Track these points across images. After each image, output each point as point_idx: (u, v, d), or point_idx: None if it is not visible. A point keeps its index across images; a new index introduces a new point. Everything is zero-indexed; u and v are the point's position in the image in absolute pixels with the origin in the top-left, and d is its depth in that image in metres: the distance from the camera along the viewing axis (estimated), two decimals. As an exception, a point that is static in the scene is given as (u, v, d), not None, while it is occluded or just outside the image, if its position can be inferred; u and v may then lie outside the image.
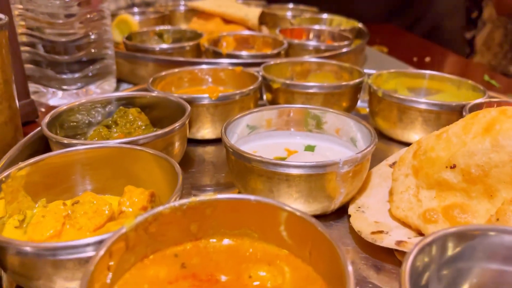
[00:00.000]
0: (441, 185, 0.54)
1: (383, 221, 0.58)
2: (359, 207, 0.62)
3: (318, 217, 0.63)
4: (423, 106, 0.78)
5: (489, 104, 0.75)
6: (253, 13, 1.38)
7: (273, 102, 0.89)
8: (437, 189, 0.55)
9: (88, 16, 0.95)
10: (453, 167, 0.53)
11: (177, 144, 0.70)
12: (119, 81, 1.18)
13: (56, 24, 0.92)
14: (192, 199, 0.46)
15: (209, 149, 0.84)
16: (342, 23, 1.53)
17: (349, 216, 0.60)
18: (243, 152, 0.59)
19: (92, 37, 0.96)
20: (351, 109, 0.92)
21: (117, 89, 1.11)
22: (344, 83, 0.87)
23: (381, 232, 0.55)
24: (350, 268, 0.37)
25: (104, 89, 1.05)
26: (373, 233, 0.55)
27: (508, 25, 2.51)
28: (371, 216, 0.59)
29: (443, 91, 0.92)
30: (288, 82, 0.85)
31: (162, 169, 0.57)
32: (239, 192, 0.65)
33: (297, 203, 0.59)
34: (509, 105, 0.75)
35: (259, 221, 0.47)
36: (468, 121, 0.56)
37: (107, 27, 1.02)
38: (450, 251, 0.40)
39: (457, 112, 0.76)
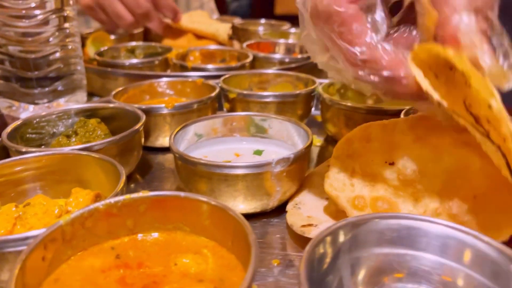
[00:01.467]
0: (376, 176, 0.57)
1: (315, 216, 0.63)
2: (296, 204, 0.66)
3: (259, 214, 0.67)
4: (364, 112, 0.83)
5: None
6: (223, 28, 1.44)
7: (231, 111, 0.94)
8: (370, 178, 0.57)
9: (57, 33, 1.01)
10: (392, 164, 0.55)
11: (130, 150, 0.74)
12: (92, 95, 1.23)
13: (25, 42, 0.97)
14: (126, 196, 0.51)
15: (169, 156, 0.88)
16: (310, 36, 1.59)
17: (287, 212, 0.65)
18: (187, 156, 0.64)
19: (59, 54, 1.01)
20: (305, 117, 0.97)
21: (88, 102, 1.16)
22: (296, 92, 0.92)
23: (310, 225, 0.60)
24: (254, 248, 0.42)
25: (75, 103, 1.09)
26: (303, 226, 0.60)
27: None
28: (306, 211, 0.64)
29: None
30: (243, 92, 0.91)
31: (109, 172, 0.62)
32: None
33: (237, 202, 0.64)
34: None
35: (189, 215, 0.52)
36: (416, 121, 0.57)
37: (75, 44, 1.07)
38: (345, 240, 0.43)
39: (395, 117, 0.81)
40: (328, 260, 0.43)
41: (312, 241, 0.42)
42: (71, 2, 1.04)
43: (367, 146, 0.59)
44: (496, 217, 0.49)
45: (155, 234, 0.53)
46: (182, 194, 0.51)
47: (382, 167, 0.56)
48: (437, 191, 0.53)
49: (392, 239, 0.44)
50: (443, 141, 0.54)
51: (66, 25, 1.03)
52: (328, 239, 0.43)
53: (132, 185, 0.79)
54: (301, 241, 0.61)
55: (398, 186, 0.56)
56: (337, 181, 0.59)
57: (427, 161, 0.54)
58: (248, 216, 0.66)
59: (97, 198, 0.59)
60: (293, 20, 1.91)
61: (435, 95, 0.47)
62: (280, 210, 0.68)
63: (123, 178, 0.58)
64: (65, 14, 1.02)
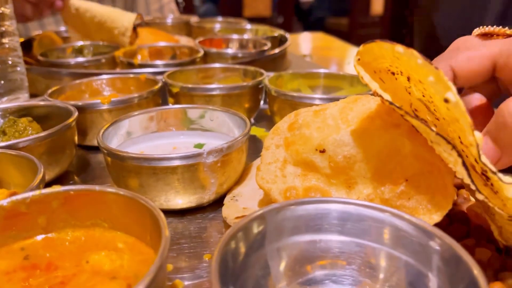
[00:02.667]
0: (307, 165, 0.54)
1: (251, 207, 0.60)
2: (234, 196, 0.64)
3: (196, 209, 0.64)
4: (314, 102, 0.81)
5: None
6: (128, 17, 1.29)
7: (176, 106, 0.91)
8: (303, 168, 0.55)
9: (-9, 32, 0.96)
10: (322, 151, 0.53)
11: (61, 148, 0.70)
12: (36, 96, 1.18)
13: (-45, 41, 0.92)
14: (35, 192, 0.47)
15: (109, 155, 0.84)
16: (267, 32, 1.58)
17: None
18: (114, 151, 0.61)
19: (-7, 53, 0.96)
20: (253, 110, 0.94)
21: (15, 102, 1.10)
22: (241, 84, 0.89)
23: (244, 216, 0.57)
24: (164, 240, 0.39)
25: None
26: (237, 218, 0.57)
27: None
28: (242, 203, 0.61)
29: (340, 88, 0.96)
30: (187, 85, 0.88)
31: (28, 170, 0.58)
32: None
33: (168, 196, 0.61)
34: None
35: (107, 210, 0.48)
36: (347, 105, 0.55)
37: (14, 43, 1.02)
38: (260, 233, 0.41)
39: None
40: (242, 255, 0.40)
41: (224, 237, 0.39)
42: (8, 0, 0.99)
43: (298, 134, 0.56)
44: (428, 200, 0.47)
45: (72, 232, 0.49)
46: (97, 187, 0.48)
47: (313, 155, 0.53)
48: (369, 177, 0.51)
49: (311, 225, 0.41)
50: (373, 125, 0.52)
51: (3, 23, 0.98)
52: (241, 233, 0.40)
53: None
54: (236, 234, 0.58)
55: (330, 174, 0.53)
56: (268, 173, 0.55)
57: (358, 146, 0.51)
58: (185, 211, 0.64)
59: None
60: (261, 22, 1.91)
61: (386, 96, 0.45)
62: (219, 203, 0.66)
63: (40, 175, 0.54)
64: (1, 12, 0.98)
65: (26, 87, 1.08)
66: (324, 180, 0.54)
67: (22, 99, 1.06)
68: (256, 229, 0.40)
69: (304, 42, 2.14)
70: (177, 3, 2.31)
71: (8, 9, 0.99)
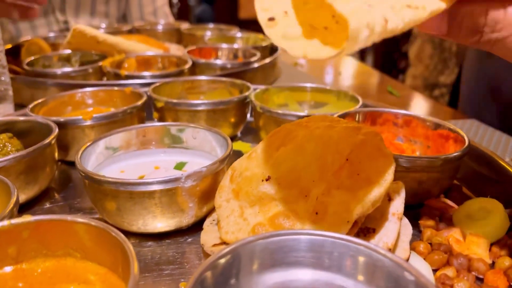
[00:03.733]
0: (262, 199, 0.56)
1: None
2: (213, 220, 0.63)
3: (175, 233, 0.63)
4: (293, 118, 0.81)
5: (353, 115, 0.78)
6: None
7: (160, 121, 0.90)
8: (259, 204, 0.56)
9: (-26, 42, 0.94)
10: (268, 179, 0.55)
11: (41, 166, 0.69)
12: (22, 106, 1.16)
13: None
14: (4, 222, 0.46)
15: (92, 171, 0.83)
16: (257, 41, 1.57)
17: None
18: (92, 174, 0.60)
19: (-25, 64, 0.94)
20: (239, 125, 0.93)
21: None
22: (227, 99, 0.88)
23: (222, 243, 0.56)
24: (132, 277, 0.38)
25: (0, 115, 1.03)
26: (214, 245, 0.56)
27: (435, 39, 2.64)
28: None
29: (327, 103, 0.96)
30: (172, 100, 0.87)
31: (1, 191, 0.56)
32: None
33: (146, 220, 0.60)
34: (370, 112, 0.79)
35: (78, 240, 0.47)
36: (271, 138, 0.60)
37: (-2, 53, 1.00)
38: (229, 270, 0.40)
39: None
40: None
41: (191, 280, 0.38)
42: (-9, 9, 0.98)
43: (241, 180, 0.58)
44: (374, 165, 0.52)
45: (42, 262, 0.48)
46: (68, 217, 0.47)
47: (262, 186, 0.56)
48: (317, 177, 0.54)
49: (283, 258, 0.40)
50: (298, 136, 0.57)
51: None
52: (209, 273, 0.39)
53: (47, 204, 0.73)
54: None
55: (284, 195, 0.55)
56: (230, 225, 0.56)
57: (294, 158, 0.55)
58: (163, 235, 0.63)
59: (-16, 223, 0.53)
60: (257, 24, 1.89)
61: None
62: (198, 226, 0.65)
63: (14, 199, 0.53)
64: (-16, 22, 0.96)
65: (11, 97, 1.06)
66: (282, 203, 0.55)
67: (6, 110, 1.05)
68: (225, 265, 0.40)
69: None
70: (172, 4, 2.30)
71: (-8, 19, 0.98)
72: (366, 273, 0.39)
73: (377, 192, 0.51)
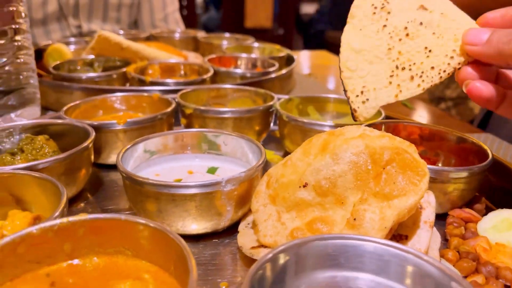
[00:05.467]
0: (298, 205, 0.59)
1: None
2: (248, 224, 0.65)
3: (211, 234, 0.66)
4: (323, 128, 0.83)
5: (379, 126, 0.81)
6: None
7: (188, 127, 0.93)
8: (296, 209, 0.59)
9: (6, 46, 0.97)
10: (305, 185, 0.58)
11: (79, 168, 0.72)
12: (46, 109, 1.19)
13: (-28, 55, 0.93)
14: (63, 219, 0.48)
15: (122, 174, 0.86)
16: (273, 51, 1.60)
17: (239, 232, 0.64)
18: (134, 176, 0.62)
19: (8, 67, 0.97)
20: (263, 133, 0.96)
21: (37, 118, 1.12)
22: (253, 107, 0.91)
23: (260, 246, 0.59)
24: (192, 274, 0.40)
25: (27, 117, 1.05)
26: (252, 248, 0.59)
27: None
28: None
29: (349, 113, 0.98)
30: (200, 107, 0.89)
31: (50, 192, 0.59)
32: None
33: (186, 222, 0.62)
34: (394, 124, 0.82)
35: (130, 239, 0.50)
36: (305, 147, 0.62)
37: (28, 56, 1.03)
38: (285, 266, 0.43)
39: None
40: (269, 285, 0.42)
41: (253, 266, 0.41)
42: (23, 15, 1.00)
43: (277, 186, 0.61)
44: (409, 175, 0.54)
45: (95, 259, 0.50)
46: (122, 217, 0.49)
47: (299, 192, 0.58)
48: (353, 185, 0.56)
49: (333, 260, 0.43)
50: (334, 145, 0.59)
51: (18, 37, 0.99)
52: (269, 264, 0.42)
53: (82, 205, 0.76)
54: (252, 262, 0.59)
55: (321, 201, 0.57)
56: (268, 229, 0.59)
57: (331, 165, 0.57)
58: (199, 237, 0.65)
59: (36, 220, 0.56)
60: (261, 33, 1.93)
61: None
62: (233, 229, 0.67)
63: (64, 200, 0.55)
64: (17, 27, 0.99)
65: (38, 99, 1.09)
66: (319, 209, 0.58)
67: (33, 113, 1.07)
68: (283, 260, 0.42)
69: (306, 60, 2.17)
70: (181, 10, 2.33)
71: (24, 23, 1.01)
72: (417, 283, 0.42)
73: (412, 200, 0.53)
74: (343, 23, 0.74)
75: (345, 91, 0.71)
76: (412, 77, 0.68)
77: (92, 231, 0.49)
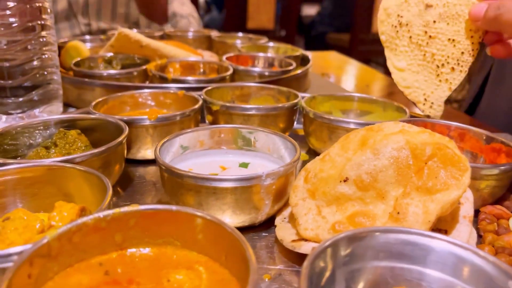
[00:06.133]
0: (339, 199, 0.59)
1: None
2: (284, 218, 0.66)
3: (247, 228, 0.66)
4: (349, 126, 0.84)
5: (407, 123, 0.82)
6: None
7: (213, 123, 0.93)
8: (336, 203, 0.60)
9: (33, 42, 0.98)
10: (346, 180, 0.58)
11: (113, 163, 0.72)
12: (67, 105, 1.20)
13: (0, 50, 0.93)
14: (116, 210, 0.49)
15: (150, 169, 0.86)
16: (288, 51, 1.61)
17: (276, 226, 0.65)
18: (174, 169, 0.63)
19: (35, 63, 0.98)
20: (287, 130, 0.97)
21: (66, 113, 1.12)
22: (279, 105, 0.92)
23: (300, 240, 0.59)
24: (252, 261, 0.41)
25: (50, 113, 1.06)
26: (293, 241, 0.59)
27: None
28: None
29: (372, 112, 0.99)
30: (226, 104, 0.90)
31: (94, 185, 0.60)
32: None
33: (225, 215, 0.63)
34: (422, 123, 0.83)
35: (180, 230, 0.50)
36: (343, 142, 0.64)
37: (52, 53, 1.04)
38: (344, 253, 0.44)
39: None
40: (327, 274, 0.43)
41: (310, 256, 0.42)
42: (49, 10, 1.01)
43: (316, 181, 0.62)
44: (451, 170, 0.55)
45: (145, 249, 0.51)
46: (173, 207, 0.50)
47: (340, 187, 0.59)
48: (394, 180, 0.57)
49: (390, 253, 0.44)
50: (374, 140, 0.60)
51: (44, 33, 1.00)
52: (327, 252, 0.42)
53: (114, 199, 0.76)
54: (291, 255, 0.61)
55: (361, 195, 0.58)
56: (309, 223, 0.60)
57: (372, 160, 0.58)
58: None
59: (82, 212, 0.57)
60: (263, 34, 1.95)
61: None
62: (268, 223, 0.68)
63: (110, 192, 0.56)
64: (43, 23, 1.00)
65: (61, 96, 1.10)
66: (360, 203, 0.59)
67: (56, 109, 1.08)
68: (340, 250, 0.43)
69: (317, 60, 2.18)
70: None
71: (49, 19, 1.01)
72: (472, 278, 0.42)
73: (455, 194, 0.54)
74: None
75: (415, 104, 0.85)
76: (452, 68, 0.81)
77: (143, 221, 0.50)
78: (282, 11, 5.61)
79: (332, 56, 2.27)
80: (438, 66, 0.83)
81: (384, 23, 0.87)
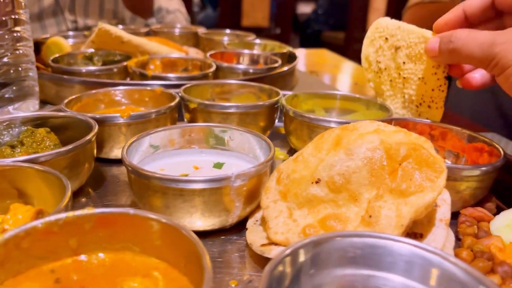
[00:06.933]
0: (311, 201, 0.57)
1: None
2: (256, 220, 0.63)
3: (218, 231, 0.64)
4: (330, 124, 0.82)
5: (389, 123, 0.79)
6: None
7: (191, 122, 0.91)
8: (308, 206, 0.57)
9: (6, 36, 0.94)
10: (318, 181, 0.56)
11: (82, 162, 0.70)
12: (45, 103, 1.17)
13: (-30, 45, 0.90)
14: (69, 213, 0.46)
15: (124, 169, 0.83)
16: (275, 48, 1.58)
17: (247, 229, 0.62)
18: (140, 169, 0.60)
19: (7, 59, 0.95)
20: (268, 129, 0.94)
21: (37, 111, 1.09)
22: (259, 103, 0.89)
23: (271, 244, 0.57)
24: (208, 269, 0.38)
25: (24, 111, 1.03)
26: (263, 245, 0.57)
27: None
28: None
29: (355, 110, 0.97)
30: (204, 102, 0.87)
31: (54, 186, 0.57)
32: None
33: (194, 218, 0.60)
34: (404, 122, 0.81)
35: (139, 234, 0.48)
36: (317, 142, 0.61)
37: (28, 48, 1.01)
38: (308, 260, 0.41)
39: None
40: (288, 282, 0.40)
41: (271, 262, 0.40)
42: (23, 5, 0.98)
43: (288, 182, 0.59)
44: (426, 171, 0.53)
45: (101, 255, 0.48)
46: (131, 211, 0.47)
47: (312, 188, 0.56)
48: (367, 182, 0.55)
49: (355, 258, 0.41)
50: (348, 140, 0.57)
51: (17, 28, 0.97)
52: (288, 259, 0.40)
53: (83, 200, 0.74)
54: (262, 260, 0.58)
55: (334, 197, 0.56)
56: (279, 226, 0.57)
57: (345, 161, 0.56)
58: (206, 233, 0.63)
59: (39, 215, 0.54)
60: (258, 32, 1.92)
61: None
62: (240, 226, 0.65)
63: (69, 193, 0.53)
64: (16, 17, 0.96)
65: (37, 93, 1.06)
66: (332, 205, 0.56)
67: (32, 106, 1.05)
68: (302, 256, 0.41)
69: (306, 58, 2.15)
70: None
71: (24, 14, 0.98)
72: (440, 283, 0.40)
73: (430, 196, 0.52)
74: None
75: (417, 107, 0.85)
76: (429, 106, 0.82)
77: (99, 226, 0.47)
78: (277, 9, 5.58)
79: (324, 54, 2.24)
80: (417, 106, 0.84)
81: (368, 71, 0.90)
